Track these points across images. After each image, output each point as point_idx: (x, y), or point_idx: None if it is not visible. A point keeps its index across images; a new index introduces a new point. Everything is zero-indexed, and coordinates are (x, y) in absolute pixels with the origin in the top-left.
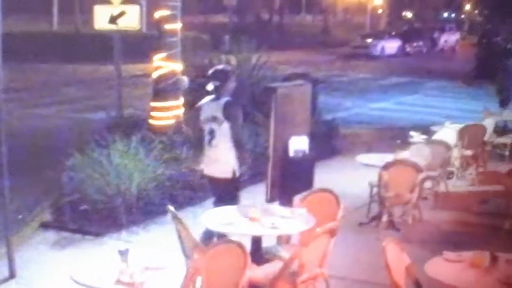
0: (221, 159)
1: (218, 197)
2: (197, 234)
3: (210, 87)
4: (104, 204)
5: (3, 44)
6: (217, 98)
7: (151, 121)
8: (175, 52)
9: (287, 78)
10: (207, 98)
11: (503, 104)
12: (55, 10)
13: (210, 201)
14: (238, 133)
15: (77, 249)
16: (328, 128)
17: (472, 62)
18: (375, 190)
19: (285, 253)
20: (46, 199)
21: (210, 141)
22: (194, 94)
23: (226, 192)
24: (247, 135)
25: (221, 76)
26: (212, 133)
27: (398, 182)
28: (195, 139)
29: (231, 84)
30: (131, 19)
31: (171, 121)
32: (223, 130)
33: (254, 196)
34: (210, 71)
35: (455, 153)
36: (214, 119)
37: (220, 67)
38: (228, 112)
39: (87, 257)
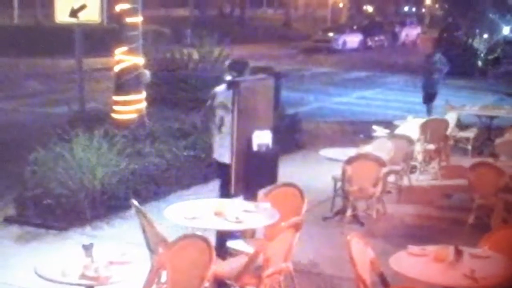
0: (227, 145)
1: (223, 182)
2: (161, 228)
3: (228, 77)
4: (67, 199)
5: None
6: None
7: (113, 115)
8: (136, 45)
9: (230, 65)
10: (222, 86)
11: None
12: (15, 3)
13: (174, 195)
14: None
15: (41, 244)
16: (291, 122)
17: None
18: (339, 184)
19: (250, 247)
20: (9, 193)
21: (219, 127)
22: (156, 88)
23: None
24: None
25: (238, 67)
26: (221, 119)
27: (361, 176)
28: (159, 132)
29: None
30: (92, 13)
31: (134, 115)
32: (231, 118)
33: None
34: (227, 62)
35: (418, 147)
36: (224, 106)
37: (237, 58)
38: None
39: (52, 251)
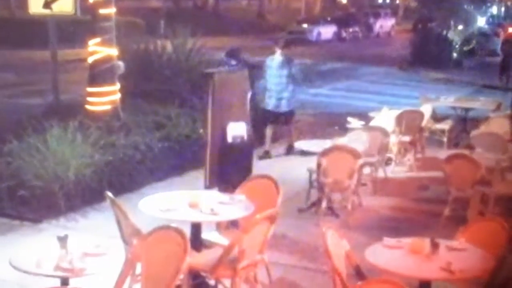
0: None
1: None
2: (136, 220)
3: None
4: (42, 190)
5: None
6: None
7: (88, 107)
8: (110, 37)
9: (228, 53)
10: None
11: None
12: None
13: (148, 187)
14: None
15: (16, 235)
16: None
17: (407, 47)
18: (314, 176)
19: (225, 239)
20: None
21: None
22: (130, 79)
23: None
24: (184, 121)
25: (236, 54)
26: None
27: (336, 168)
28: (133, 124)
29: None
30: (66, 4)
31: (108, 107)
32: None
33: (193, 182)
34: (226, 52)
35: (393, 139)
36: None
37: (230, 47)
38: None
39: (26, 243)
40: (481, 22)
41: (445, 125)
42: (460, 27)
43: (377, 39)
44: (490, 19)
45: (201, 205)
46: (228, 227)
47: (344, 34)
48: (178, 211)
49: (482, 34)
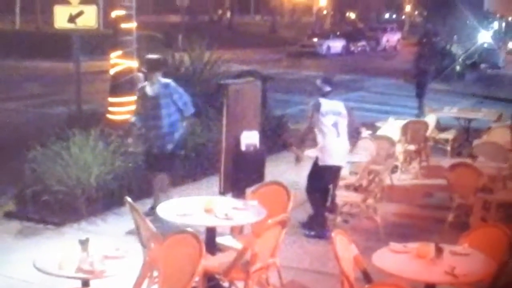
0: (344, 147)
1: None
2: (153, 224)
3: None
4: (64, 195)
5: None
6: None
7: (109, 116)
8: (130, 50)
9: (238, 76)
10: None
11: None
12: (17, 9)
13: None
14: None
15: (39, 238)
16: (278, 123)
17: (413, 60)
18: None
19: (238, 243)
20: (10, 190)
21: (338, 131)
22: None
23: None
24: (200, 130)
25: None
26: (336, 124)
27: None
28: None
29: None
30: (89, 19)
31: (128, 116)
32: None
33: (208, 188)
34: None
35: (399, 148)
36: (334, 112)
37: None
38: None
39: (49, 246)
40: (487, 37)
41: (449, 135)
42: (464, 41)
43: (384, 52)
44: (492, 34)
45: (215, 210)
46: (241, 232)
47: (352, 48)
48: (194, 216)
49: (484, 48)
